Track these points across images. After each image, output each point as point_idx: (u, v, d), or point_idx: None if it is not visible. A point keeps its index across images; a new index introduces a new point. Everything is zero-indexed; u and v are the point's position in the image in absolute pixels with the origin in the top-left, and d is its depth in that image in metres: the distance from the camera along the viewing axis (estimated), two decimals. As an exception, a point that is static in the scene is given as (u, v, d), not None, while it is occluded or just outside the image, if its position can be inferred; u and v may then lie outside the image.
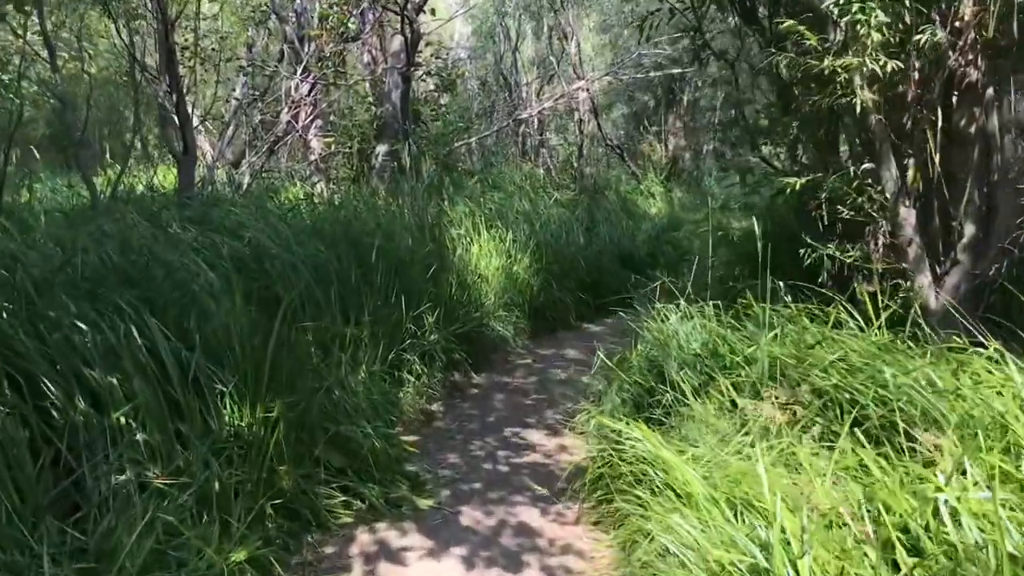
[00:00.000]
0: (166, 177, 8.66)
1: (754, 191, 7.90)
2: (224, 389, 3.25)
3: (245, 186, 7.32)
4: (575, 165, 11.32)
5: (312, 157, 8.52)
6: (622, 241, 9.44)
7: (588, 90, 10.51)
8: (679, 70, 11.43)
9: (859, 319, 3.66)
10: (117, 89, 8.45)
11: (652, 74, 10.94)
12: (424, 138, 8.94)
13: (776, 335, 3.43)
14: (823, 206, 4.38)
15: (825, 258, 4.32)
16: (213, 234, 4.81)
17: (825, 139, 4.11)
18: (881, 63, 3.11)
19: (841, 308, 3.67)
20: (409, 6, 6.93)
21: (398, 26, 7.73)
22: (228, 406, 3.26)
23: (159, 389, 3.09)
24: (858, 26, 3.08)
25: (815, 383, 3.04)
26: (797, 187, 3.72)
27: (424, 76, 8.88)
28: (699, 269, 7.23)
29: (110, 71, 8.73)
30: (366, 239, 5.58)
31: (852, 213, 3.63)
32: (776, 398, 2.92)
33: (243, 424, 3.25)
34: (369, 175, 8.48)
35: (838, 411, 2.88)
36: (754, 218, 6.64)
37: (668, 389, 3.61)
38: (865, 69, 3.14)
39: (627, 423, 3.28)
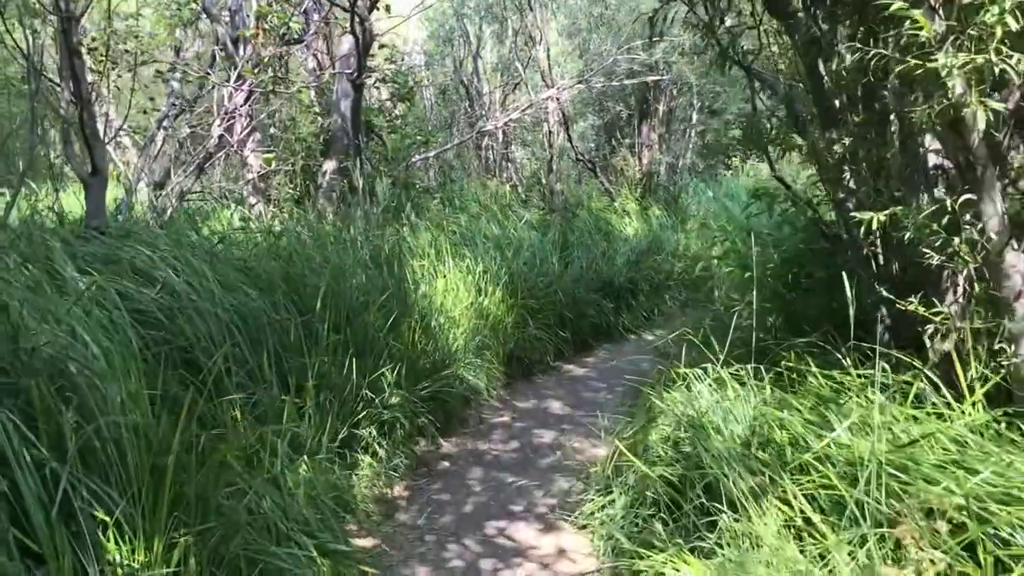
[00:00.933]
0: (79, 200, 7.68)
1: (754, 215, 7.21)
2: (107, 518, 2.37)
3: (169, 212, 6.39)
4: (544, 181, 10.55)
5: (249, 175, 7.61)
6: (599, 266, 8.69)
7: (558, 99, 9.75)
8: (656, 77, 10.75)
9: (941, 388, 2.94)
10: (9, 98, 7.43)
11: (627, 82, 10.22)
12: (378, 153, 8.08)
13: (856, 422, 2.66)
14: (879, 243, 3.64)
15: (882, 307, 3.58)
16: (119, 279, 3.92)
17: (903, 163, 3.36)
18: (1016, 60, 2.36)
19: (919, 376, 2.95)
20: (360, 3, 6.09)
21: (347, 26, 6.88)
22: (113, 541, 2.39)
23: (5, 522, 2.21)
24: (984, 11, 2.34)
25: (927, 498, 2.27)
26: (874, 223, 2.95)
27: (377, 83, 8.03)
28: (714, 315, 6.55)
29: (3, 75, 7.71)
30: (311, 279, 4.72)
31: (942, 258, 2.87)
32: (915, 540, 2.11)
33: (134, 566, 2.38)
34: (315, 195, 7.60)
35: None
36: (773, 250, 5.94)
37: (705, 493, 2.82)
38: (986, 70, 2.39)
39: (662, 551, 2.48)
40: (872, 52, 2.60)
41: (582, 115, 12.16)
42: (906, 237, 2.95)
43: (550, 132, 10.20)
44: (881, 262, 3.64)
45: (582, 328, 7.73)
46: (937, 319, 3.09)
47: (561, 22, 11.10)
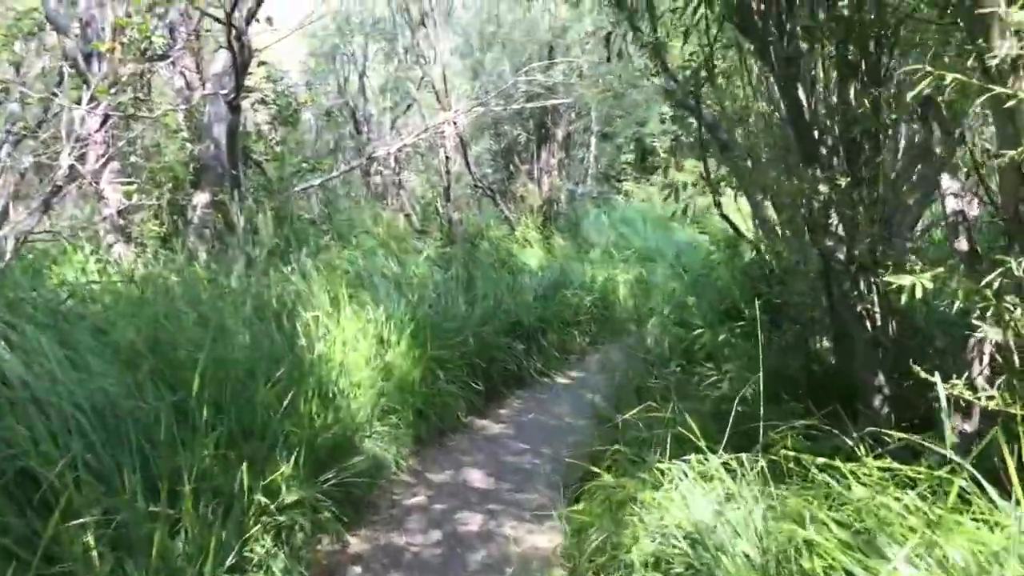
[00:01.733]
0: None
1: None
2: None
3: (7, 259, 5.39)
4: (441, 210, 9.92)
5: (106, 211, 6.64)
6: (507, 304, 8.12)
7: (455, 123, 9.17)
8: (558, 101, 10.33)
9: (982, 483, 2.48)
10: None
11: (528, 105, 9.76)
12: (258, 183, 7.27)
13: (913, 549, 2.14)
14: (875, 299, 3.20)
15: (879, 374, 3.14)
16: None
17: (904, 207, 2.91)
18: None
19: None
20: (237, 15, 5.32)
21: (220, 40, 6.08)
22: None
23: None
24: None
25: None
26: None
27: (257, 105, 7.23)
28: (648, 363, 6.05)
29: None
30: (184, 347, 3.93)
31: (987, 326, 2.41)
32: None
33: None
34: (185, 233, 6.72)
35: None
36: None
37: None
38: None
39: None
40: (922, 73, 2.09)
41: (478, 138, 11.62)
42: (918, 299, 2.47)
43: (447, 158, 9.60)
44: (878, 321, 3.19)
45: (493, 375, 7.13)
46: (960, 393, 2.64)
47: (454, 41, 10.55)
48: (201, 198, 6.87)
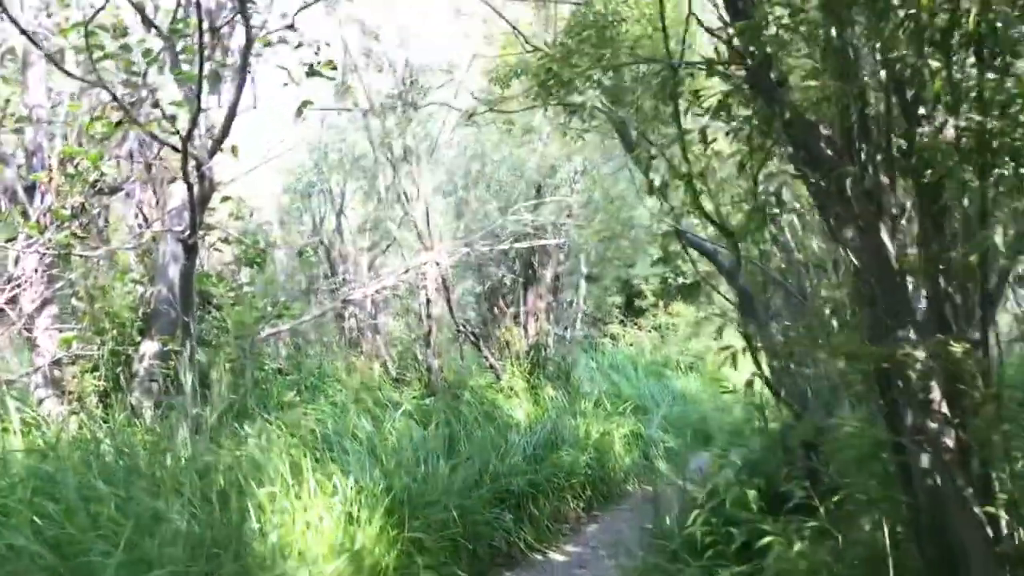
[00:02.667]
0: None
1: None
2: None
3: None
4: (420, 357, 9.23)
5: (40, 362, 5.89)
6: (493, 466, 7.32)
7: (438, 264, 8.62)
8: (547, 241, 9.87)
9: None
10: None
11: (516, 246, 9.26)
12: (217, 330, 6.56)
13: None
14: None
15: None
16: None
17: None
18: None
19: None
20: (198, 143, 4.78)
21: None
22: None
23: None
24: None
25: None
26: None
27: (218, 244, 6.63)
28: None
29: None
30: (97, 547, 3.12)
31: None
32: None
33: None
34: (129, 388, 5.95)
35: None
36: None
37: None
38: None
39: None
40: None
41: (460, 280, 11.06)
42: None
43: (428, 300, 8.99)
44: (1003, 529, 2.47)
45: (479, 554, 6.26)
46: None
47: (438, 178, 10.16)
48: (149, 347, 6.15)
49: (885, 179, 2.73)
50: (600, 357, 14.82)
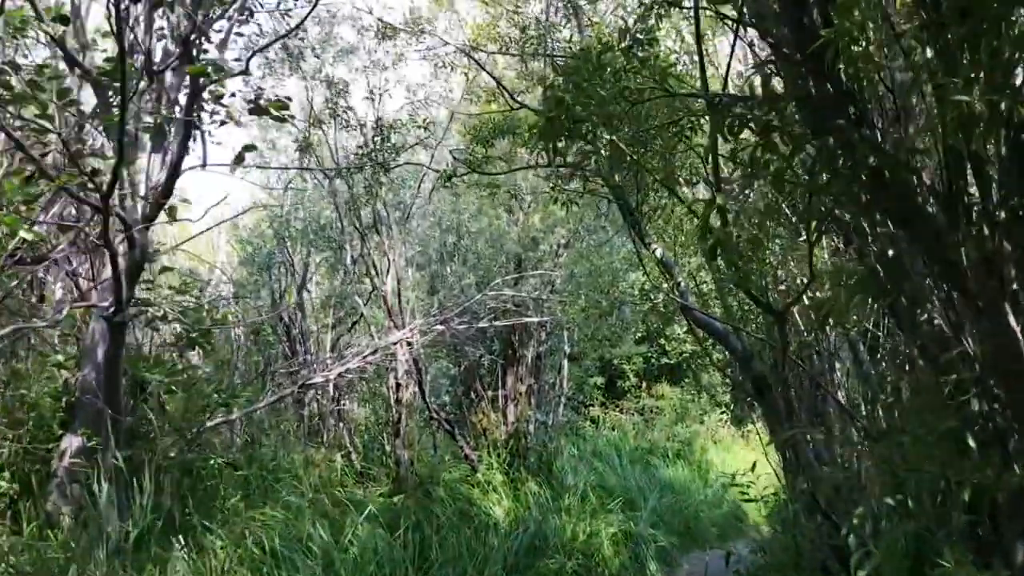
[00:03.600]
0: None
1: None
2: None
3: None
4: (388, 448, 8.42)
5: (-63, 460, 5.05)
6: (469, 574, 6.52)
7: (410, 344, 7.90)
8: (529, 319, 9.19)
9: None
10: None
11: (496, 324, 8.57)
12: (150, 423, 5.74)
13: None
14: None
15: None
16: None
17: None
18: None
19: None
20: (127, 202, 4.08)
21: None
22: None
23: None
24: None
25: None
26: None
27: (156, 322, 5.86)
28: None
29: None
30: None
31: None
32: None
33: None
34: (45, 492, 5.11)
35: None
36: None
37: None
38: None
39: None
40: None
41: (434, 360, 10.32)
42: None
43: (397, 384, 8.24)
44: None
45: None
46: None
47: (410, 251, 9.51)
48: (71, 442, 5.32)
49: (1009, 245, 2.09)
50: (582, 443, 14.02)
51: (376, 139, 7.17)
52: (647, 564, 9.58)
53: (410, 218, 9.06)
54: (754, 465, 6.17)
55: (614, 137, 3.13)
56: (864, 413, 4.53)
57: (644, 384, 17.69)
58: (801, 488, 4.55)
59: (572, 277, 10.55)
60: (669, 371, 18.24)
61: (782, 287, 4.68)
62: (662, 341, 18.14)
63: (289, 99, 5.67)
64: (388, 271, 8.25)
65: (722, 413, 17.08)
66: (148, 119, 4.89)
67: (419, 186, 9.06)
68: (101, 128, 4.41)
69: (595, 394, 16.89)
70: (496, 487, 8.96)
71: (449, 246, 10.21)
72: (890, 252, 2.43)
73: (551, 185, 5.52)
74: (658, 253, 5.01)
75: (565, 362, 10.87)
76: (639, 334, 17.56)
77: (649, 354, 17.90)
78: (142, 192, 4.56)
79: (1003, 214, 2.05)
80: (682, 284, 4.86)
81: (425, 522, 7.24)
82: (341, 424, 8.85)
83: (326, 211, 9.50)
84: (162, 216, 5.21)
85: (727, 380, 18.34)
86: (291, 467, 7.67)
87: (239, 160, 4.81)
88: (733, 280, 3.20)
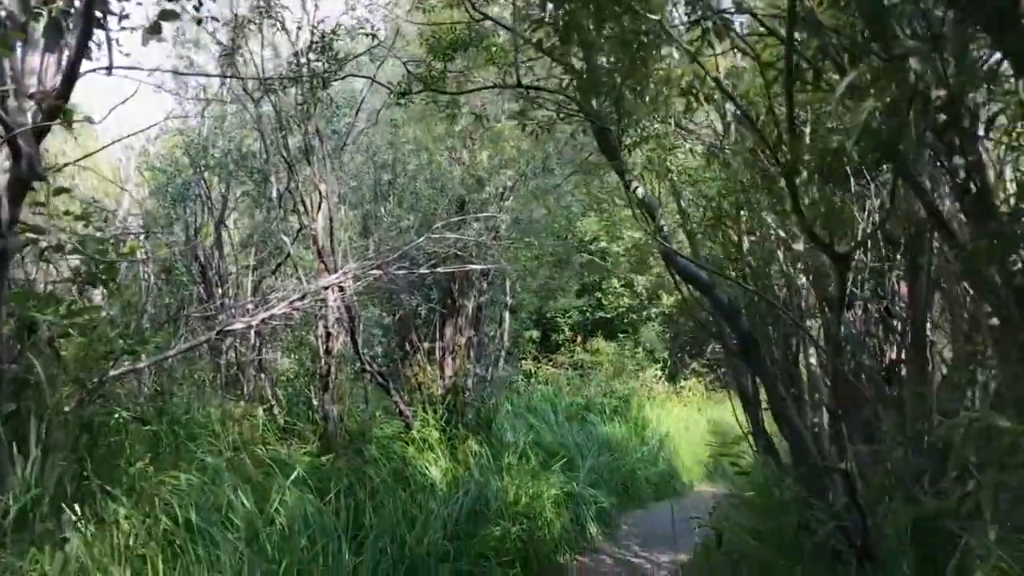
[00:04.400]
0: None
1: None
2: None
3: None
4: (316, 403, 7.79)
5: None
6: (408, 547, 6.00)
7: (342, 289, 7.26)
8: (473, 266, 8.59)
9: None
10: None
11: (440, 270, 7.95)
12: (45, 371, 4.98)
13: None
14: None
15: None
16: None
17: None
18: None
19: None
20: (5, 100, 3.33)
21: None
22: None
23: None
24: None
25: None
26: None
27: (46, 254, 5.06)
28: None
29: None
30: None
31: None
32: None
33: None
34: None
35: None
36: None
37: None
38: None
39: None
40: None
41: (364, 308, 9.66)
42: None
43: (327, 333, 7.59)
44: None
45: None
46: None
47: (344, 186, 8.77)
48: (-58, 394, 4.54)
49: None
50: (516, 398, 13.60)
51: (315, 44, 6.36)
52: (587, 526, 9.25)
53: (344, 150, 8.31)
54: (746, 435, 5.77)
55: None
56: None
57: (579, 338, 17.36)
58: (809, 462, 4.14)
59: (517, 223, 9.98)
60: (604, 325, 17.96)
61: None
62: (598, 294, 17.83)
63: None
64: (319, 208, 7.53)
65: (659, 368, 16.93)
66: (38, 7, 4.09)
67: (356, 113, 8.30)
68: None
69: (529, 347, 16.49)
70: (433, 445, 8.43)
71: (384, 184, 9.50)
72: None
73: (518, 110, 4.91)
74: (639, 192, 4.47)
75: (507, 314, 10.34)
76: (576, 287, 17.20)
77: (584, 308, 17.57)
78: (31, 92, 3.79)
79: None
80: (665, 228, 4.33)
81: (358, 485, 6.69)
82: (263, 375, 8.16)
83: (249, 139, 8.67)
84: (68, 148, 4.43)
85: (667, 335, 18.24)
86: (207, 422, 6.99)
87: (154, 30, 4.07)
88: (811, 219, 2.67)
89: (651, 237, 4.40)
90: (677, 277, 4.95)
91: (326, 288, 7.19)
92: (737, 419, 7.19)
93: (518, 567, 7.16)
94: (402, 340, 9.45)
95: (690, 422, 15.99)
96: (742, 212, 4.53)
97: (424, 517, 6.49)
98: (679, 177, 4.69)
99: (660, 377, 16.81)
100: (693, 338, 19.02)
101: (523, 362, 16.22)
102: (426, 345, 9.33)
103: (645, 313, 17.77)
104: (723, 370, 19.71)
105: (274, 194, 8.14)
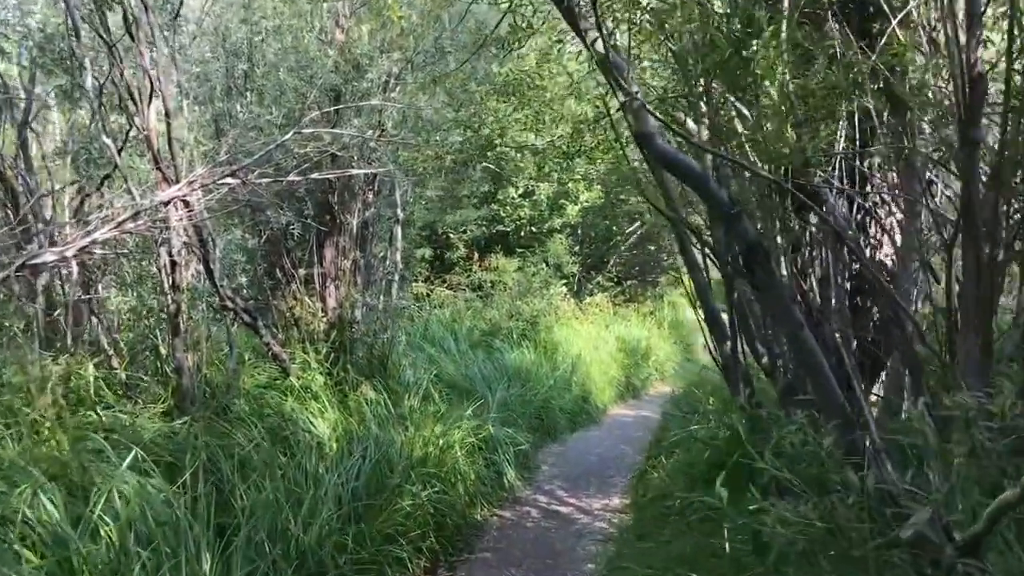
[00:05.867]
0: None
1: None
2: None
3: None
4: (164, 351, 6.38)
5: None
6: (292, 540, 4.79)
7: (188, 204, 5.81)
8: (352, 171, 7.19)
9: None
10: None
11: (312, 176, 6.49)
12: None
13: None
14: None
15: None
16: None
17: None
18: None
19: None
20: None
21: None
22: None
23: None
24: None
25: None
26: None
27: None
28: None
29: None
30: None
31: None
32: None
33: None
34: None
35: None
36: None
37: None
38: None
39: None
40: None
41: (224, 230, 8.16)
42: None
43: (172, 263, 6.14)
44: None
45: None
46: None
47: (186, 74, 7.15)
48: None
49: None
50: (410, 326, 12.37)
51: None
52: (505, 472, 8.24)
53: (182, 28, 6.69)
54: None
55: None
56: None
57: (476, 256, 16.13)
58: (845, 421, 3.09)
59: (404, 121, 8.56)
60: (502, 240, 16.78)
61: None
62: (495, 206, 16.60)
63: None
64: (151, 100, 5.97)
65: (564, 284, 15.98)
66: None
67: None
68: None
69: (421, 268, 15.19)
70: (317, 393, 7.15)
71: (239, 75, 7.91)
72: None
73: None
74: (599, 48, 3.24)
75: (398, 229, 8.97)
76: (475, 199, 15.91)
77: (481, 221, 16.32)
78: None
79: None
80: (639, 95, 3.11)
81: (223, 455, 5.38)
82: (95, 320, 6.64)
83: (54, 18, 6.90)
84: None
85: (575, 250, 17.23)
86: (20, 382, 5.52)
87: None
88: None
89: (623, 109, 3.17)
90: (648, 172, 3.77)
91: (166, 204, 5.69)
92: (709, 350, 6.12)
93: (431, 538, 6.06)
94: (272, 266, 8.02)
95: (599, 340, 15.24)
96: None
97: (312, 492, 5.25)
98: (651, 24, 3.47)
99: (566, 295, 15.85)
100: (595, 249, 18.19)
101: (415, 284, 14.94)
102: (302, 272, 7.93)
103: (548, 225, 16.65)
104: (628, 283, 19.08)
105: (88, 85, 6.46)
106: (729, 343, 4.92)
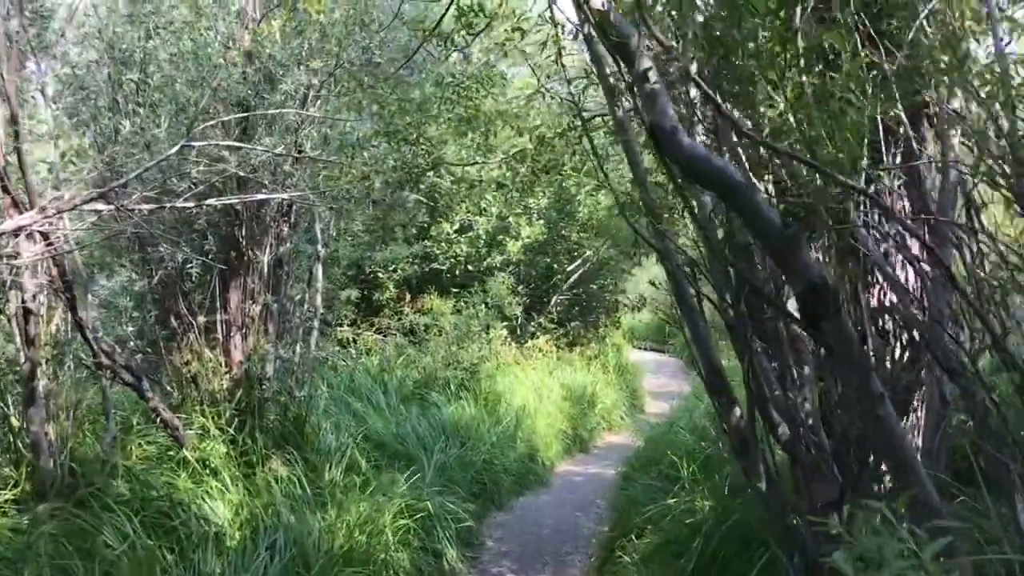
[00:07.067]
0: None
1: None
2: None
3: None
4: (14, 423, 5.19)
5: None
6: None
7: (46, 238, 4.70)
8: (263, 196, 6.10)
9: None
10: None
11: (210, 203, 5.37)
12: None
13: None
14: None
15: None
16: None
17: None
18: None
19: None
20: None
21: None
22: None
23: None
24: None
25: None
26: None
27: None
28: None
29: None
30: None
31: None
32: None
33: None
34: None
35: None
36: None
37: None
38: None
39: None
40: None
41: (103, 268, 6.96)
42: None
43: (26, 312, 4.99)
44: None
45: None
46: None
47: (54, 76, 6.02)
48: None
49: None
50: (333, 377, 11.18)
51: None
52: (445, 553, 7.14)
53: (51, 16, 5.56)
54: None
55: None
56: None
57: (408, 297, 14.98)
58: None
59: (326, 141, 7.50)
60: (436, 279, 15.69)
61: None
62: (427, 242, 15.56)
63: None
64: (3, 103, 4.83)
65: (504, 327, 14.95)
66: None
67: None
68: None
69: (346, 311, 13.99)
70: (217, 468, 5.97)
71: (129, 87, 6.76)
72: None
73: None
74: (595, 3, 2.28)
75: (319, 268, 7.84)
76: (405, 235, 14.81)
77: (413, 259, 15.22)
78: None
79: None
80: (652, 78, 2.16)
81: (85, 556, 4.21)
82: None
83: None
84: None
85: (519, 288, 16.24)
86: None
87: None
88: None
89: (631, 93, 2.21)
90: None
91: (16, 234, 4.55)
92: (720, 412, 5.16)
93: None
94: (166, 313, 6.82)
95: (543, 388, 14.26)
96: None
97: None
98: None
99: (507, 338, 14.83)
100: (535, 288, 17.27)
101: (340, 328, 13.74)
102: (202, 319, 6.75)
103: (486, 263, 15.63)
104: (572, 324, 18.16)
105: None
106: (740, 411, 3.97)
